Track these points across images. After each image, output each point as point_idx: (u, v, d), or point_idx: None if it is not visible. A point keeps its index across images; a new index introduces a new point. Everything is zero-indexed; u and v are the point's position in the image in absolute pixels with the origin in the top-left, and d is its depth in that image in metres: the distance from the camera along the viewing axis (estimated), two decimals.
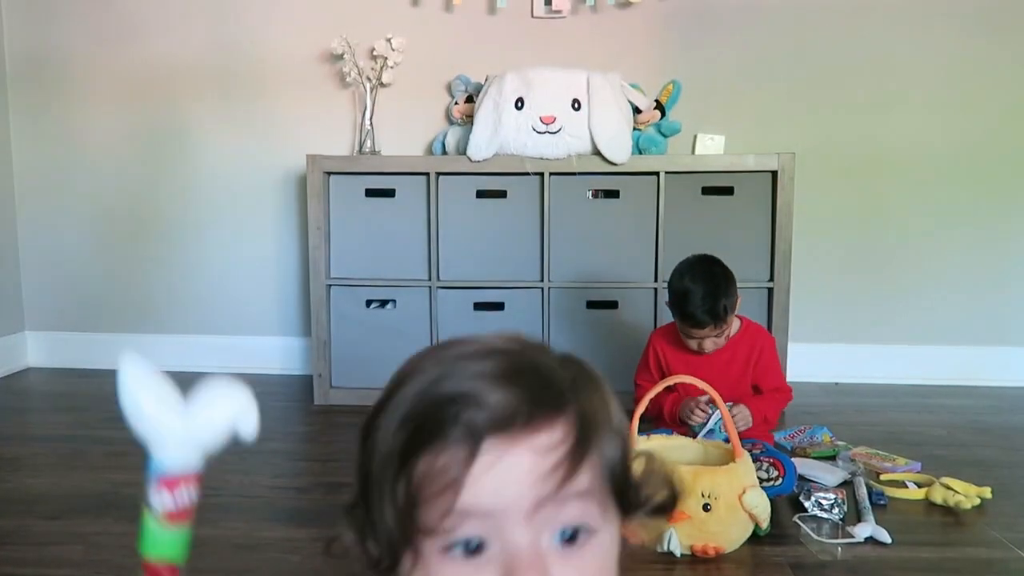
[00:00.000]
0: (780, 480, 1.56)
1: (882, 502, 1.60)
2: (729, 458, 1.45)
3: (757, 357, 1.90)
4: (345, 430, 2.18)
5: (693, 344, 1.87)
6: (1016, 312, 2.64)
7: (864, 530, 1.44)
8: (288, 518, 1.58)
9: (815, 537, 1.43)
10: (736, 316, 1.94)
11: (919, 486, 1.68)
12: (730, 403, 1.74)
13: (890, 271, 2.66)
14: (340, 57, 2.58)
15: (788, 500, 1.58)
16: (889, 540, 1.43)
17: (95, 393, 2.54)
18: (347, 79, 2.61)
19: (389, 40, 2.56)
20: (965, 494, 1.60)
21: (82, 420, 2.25)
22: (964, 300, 2.65)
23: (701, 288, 1.79)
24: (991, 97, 2.58)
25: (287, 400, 2.48)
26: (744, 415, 1.75)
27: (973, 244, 2.63)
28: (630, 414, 1.54)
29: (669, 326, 1.99)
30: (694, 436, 1.70)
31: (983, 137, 2.59)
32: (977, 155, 2.60)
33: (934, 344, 2.66)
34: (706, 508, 1.35)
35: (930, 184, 2.62)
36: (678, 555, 1.37)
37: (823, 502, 1.52)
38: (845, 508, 1.53)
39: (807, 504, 1.53)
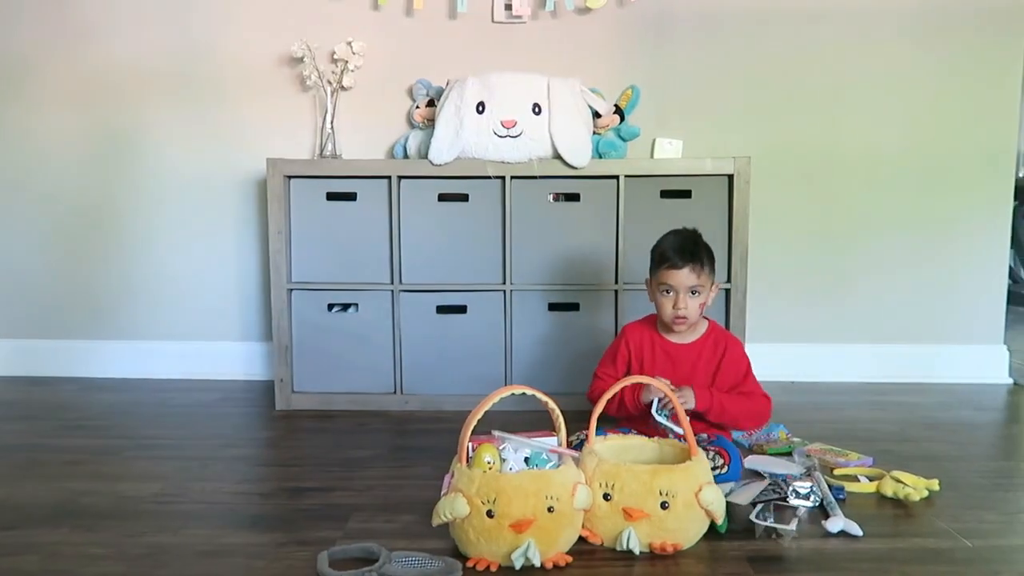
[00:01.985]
0: (725, 468, 1.62)
1: (841, 497, 1.64)
2: (685, 456, 1.48)
3: (721, 355, 1.91)
4: (307, 435, 2.18)
5: (668, 305, 1.84)
6: (964, 312, 2.73)
7: (836, 524, 1.48)
8: (251, 524, 1.57)
9: (771, 524, 1.46)
10: (703, 318, 1.96)
11: (871, 480, 1.73)
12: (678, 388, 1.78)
13: (844, 272, 2.73)
14: (300, 60, 2.58)
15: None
16: (860, 533, 1.47)
17: (49, 401, 2.50)
18: (307, 82, 2.60)
19: (350, 43, 2.56)
20: (914, 487, 1.66)
21: (36, 429, 2.21)
22: (915, 300, 2.73)
23: (686, 234, 1.89)
24: (938, 103, 2.67)
25: (249, 406, 2.47)
26: (687, 395, 1.78)
27: (923, 245, 2.71)
28: (587, 414, 1.57)
29: (644, 320, 1.99)
30: (657, 426, 1.73)
31: (932, 141, 2.68)
32: (926, 159, 2.68)
33: (887, 343, 2.73)
34: (664, 506, 1.38)
35: (880, 187, 2.70)
36: (637, 553, 1.39)
37: (800, 490, 1.57)
38: (820, 494, 1.59)
39: (785, 494, 1.57)
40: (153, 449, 2.02)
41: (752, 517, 1.46)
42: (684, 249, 1.84)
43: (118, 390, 2.63)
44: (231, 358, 2.78)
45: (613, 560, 1.40)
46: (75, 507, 1.63)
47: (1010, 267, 3.30)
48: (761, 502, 1.50)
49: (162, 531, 1.52)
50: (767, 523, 1.45)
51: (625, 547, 1.39)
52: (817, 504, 1.57)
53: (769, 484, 1.58)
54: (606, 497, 1.41)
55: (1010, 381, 2.72)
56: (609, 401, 1.60)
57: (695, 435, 1.71)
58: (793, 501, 1.55)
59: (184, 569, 1.37)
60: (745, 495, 1.55)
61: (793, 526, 1.45)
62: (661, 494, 1.38)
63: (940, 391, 2.59)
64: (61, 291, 2.82)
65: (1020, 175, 3.99)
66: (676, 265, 1.83)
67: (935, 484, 1.69)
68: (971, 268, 2.72)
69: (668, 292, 1.85)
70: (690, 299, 1.84)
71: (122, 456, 1.96)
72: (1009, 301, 2.79)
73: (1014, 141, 2.70)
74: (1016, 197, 2.79)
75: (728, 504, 1.48)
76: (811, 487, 1.58)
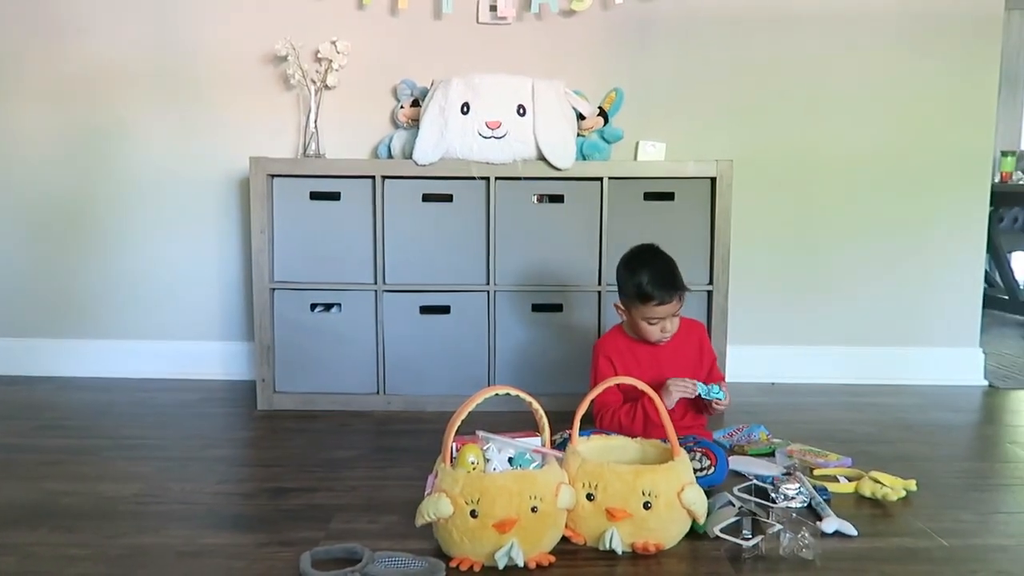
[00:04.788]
0: (712, 469, 1.62)
1: (826, 498, 1.65)
2: (668, 457, 1.49)
3: (698, 341, 1.98)
4: (289, 435, 2.17)
5: (655, 331, 1.86)
6: (939, 315, 2.76)
7: (831, 525, 1.50)
8: (232, 524, 1.56)
9: (750, 543, 1.46)
10: None
11: (849, 480, 1.75)
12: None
13: (823, 275, 2.76)
14: (284, 59, 2.56)
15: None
16: (855, 532, 1.49)
17: (27, 401, 2.47)
18: (291, 81, 2.59)
19: (334, 43, 2.55)
20: (892, 487, 1.68)
21: (14, 428, 2.19)
22: (893, 303, 2.77)
23: (660, 264, 1.85)
24: (916, 108, 2.70)
25: (230, 406, 2.45)
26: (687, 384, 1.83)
27: (901, 249, 2.75)
28: (571, 414, 1.58)
29: (611, 335, 1.99)
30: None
31: (910, 145, 2.71)
32: (904, 163, 2.72)
33: (865, 345, 2.76)
34: (647, 506, 1.39)
35: (859, 190, 2.73)
36: (620, 552, 1.40)
37: (788, 492, 1.58)
38: (808, 495, 1.61)
39: (774, 495, 1.59)
40: (133, 449, 2.00)
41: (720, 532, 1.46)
42: (666, 283, 1.82)
43: (97, 390, 2.61)
44: (212, 358, 2.77)
45: (596, 560, 1.40)
46: (54, 508, 1.62)
47: (986, 271, 3.35)
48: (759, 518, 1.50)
49: (142, 532, 1.51)
50: (744, 539, 1.44)
51: (608, 547, 1.40)
52: (806, 505, 1.59)
53: (737, 513, 1.53)
54: (589, 497, 1.42)
55: (985, 383, 2.76)
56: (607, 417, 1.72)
57: (680, 437, 1.73)
58: (782, 503, 1.57)
59: (164, 570, 1.36)
60: (714, 521, 1.50)
61: (755, 542, 1.42)
62: (644, 494, 1.39)
63: (917, 393, 2.63)
64: (39, 289, 2.79)
65: (996, 180, 4.06)
66: (663, 302, 1.83)
67: (912, 484, 1.71)
68: (948, 272, 2.75)
69: (654, 322, 1.86)
70: (673, 319, 1.87)
71: (101, 456, 1.94)
72: (985, 305, 2.83)
73: (991, 146, 2.74)
74: (992, 201, 2.83)
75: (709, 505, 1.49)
76: (799, 488, 1.60)
